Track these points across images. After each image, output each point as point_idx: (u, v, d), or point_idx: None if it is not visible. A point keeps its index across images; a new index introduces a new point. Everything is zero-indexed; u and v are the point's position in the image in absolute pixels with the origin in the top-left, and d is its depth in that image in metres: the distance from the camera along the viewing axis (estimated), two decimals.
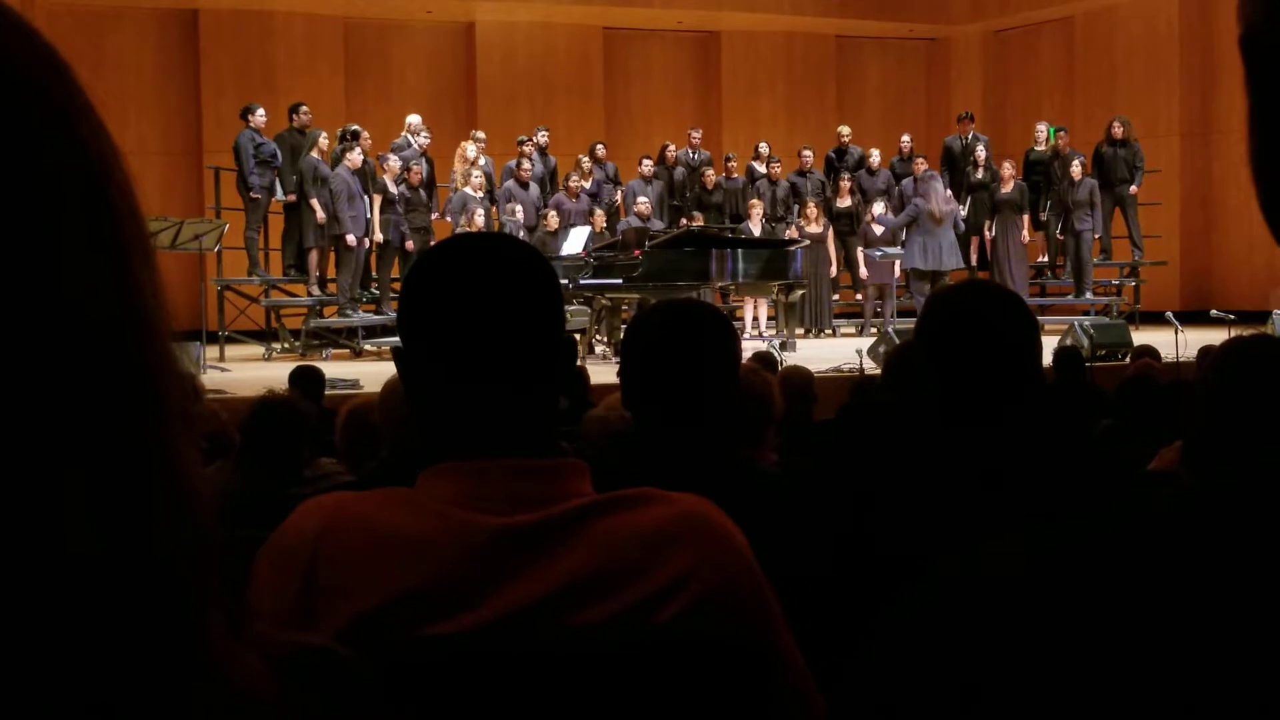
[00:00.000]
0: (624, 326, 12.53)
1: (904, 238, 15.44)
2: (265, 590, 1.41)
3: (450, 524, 1.44)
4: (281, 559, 1.44)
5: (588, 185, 15.46)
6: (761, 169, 16.48)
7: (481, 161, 14.74)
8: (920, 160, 15.84)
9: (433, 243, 14.24)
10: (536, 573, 1.43)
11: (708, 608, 1.46)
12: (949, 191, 15.49)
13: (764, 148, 16.74)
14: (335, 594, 1.41)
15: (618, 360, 2.54)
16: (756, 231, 15.02)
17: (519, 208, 14.33)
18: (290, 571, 1.42)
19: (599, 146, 16.27)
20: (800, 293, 13.99)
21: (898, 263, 15.22)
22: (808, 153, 16.66)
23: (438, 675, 1.38)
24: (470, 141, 14.90)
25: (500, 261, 1.52)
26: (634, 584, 1.44)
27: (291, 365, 8.65)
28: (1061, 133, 16.47)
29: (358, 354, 13.60)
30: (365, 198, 13.63)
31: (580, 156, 15.81)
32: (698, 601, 1.45)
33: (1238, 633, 0.47)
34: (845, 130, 17.21)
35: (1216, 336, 10.90)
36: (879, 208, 15.47)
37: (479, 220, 13.63)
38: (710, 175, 16.13)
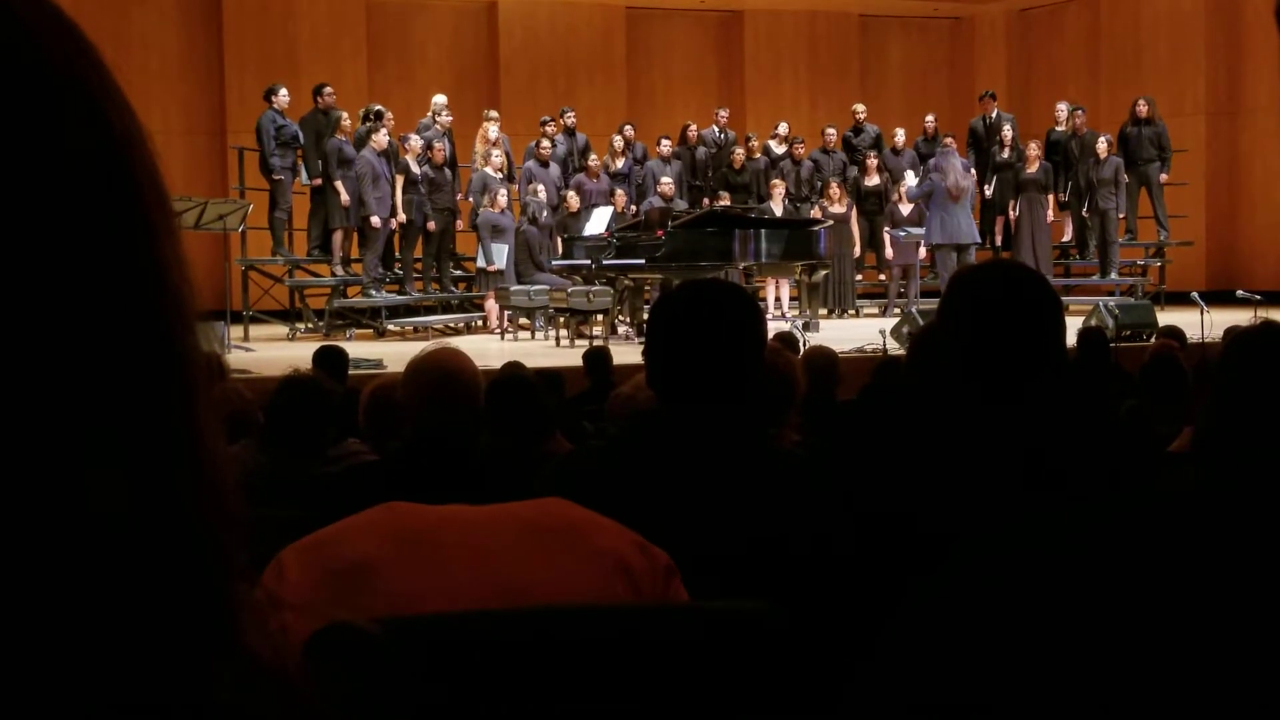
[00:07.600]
0: (646, 307, 12.54)
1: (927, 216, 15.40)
2: (295, 585, 1.42)
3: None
4: (324, 568, 1.44)
5: (620, 165, 15.41)
6: (778, 149, 16.41)
7: (501, 141, 14.74)
8: (948, 139, 15.75)
9: (457, 223, 14.44)
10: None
11: None
12: (971, 170, 15.38)
13: (783, 128, 16.67)
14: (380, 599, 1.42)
15: (641, 341, 2.56)
16: (779, 212, 14.98)
17: (540, 187, 14.33)
18: (330, 584, 1.42)
19: (628, 127, 16.18)
20: (823, 273, 13.96)
21: (923, 243, 15.16)
22: (831, 132, 16.58)
23: (462, 652, 1.39)
24: (490, 121, 14.89)
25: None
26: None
27: (315, 345, 8.68)
28: (1078, 112, 16.33)
29: (381, 334, 13.63)
30: (390, 179, 13.65)
31: (614, 137, 15.75)
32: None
33: (1267, 612, 0.47)
34: (860, 108, 17.12)
35: (1242, 317, 10.86)
36: (911, 177, 15.42)
37: (501, 200, 13.66)
38: (739, 155, 16.07)
